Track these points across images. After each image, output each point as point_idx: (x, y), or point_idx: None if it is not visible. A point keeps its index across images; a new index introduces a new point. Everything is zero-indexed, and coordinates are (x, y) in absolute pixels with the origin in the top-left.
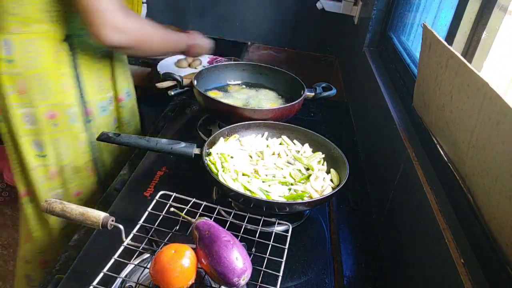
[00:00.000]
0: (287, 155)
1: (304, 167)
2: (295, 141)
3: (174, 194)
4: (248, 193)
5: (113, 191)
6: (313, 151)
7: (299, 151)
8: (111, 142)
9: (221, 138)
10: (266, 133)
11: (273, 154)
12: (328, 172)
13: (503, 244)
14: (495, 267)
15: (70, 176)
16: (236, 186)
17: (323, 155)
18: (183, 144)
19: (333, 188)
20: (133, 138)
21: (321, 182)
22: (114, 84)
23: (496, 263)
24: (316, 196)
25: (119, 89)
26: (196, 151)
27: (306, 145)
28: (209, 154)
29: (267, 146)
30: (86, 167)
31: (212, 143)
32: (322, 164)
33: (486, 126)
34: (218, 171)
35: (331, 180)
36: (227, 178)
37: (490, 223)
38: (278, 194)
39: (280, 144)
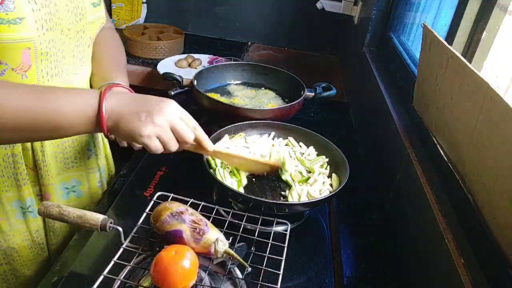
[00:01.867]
0: (290, 156)
1: (306, 170)
2: (301, 143)
3: (172, 195)
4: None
5: (113, 191)
6: (318, 155)
7: (303, 153)
8: (111, 139)
9: (226, 135)
10: (272, 133)
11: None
12: (329, 176)
13: (503, 244)
14: (495, 267)
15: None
16: (232, 182)
17: (327, 159)
18: None
19: (331, 192)
20: None
21: (319, 186)
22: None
23: (496, 263)
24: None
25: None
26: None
27: (311, 148)
28: None
29: (273, 145)
30: None
31: (216, 139)
32: (325, 168)
33: (486, 126)
34: (216, 166)
35: (331, 185)
36: (225, 176)
37: (490, 223)
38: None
39: (286, 145)
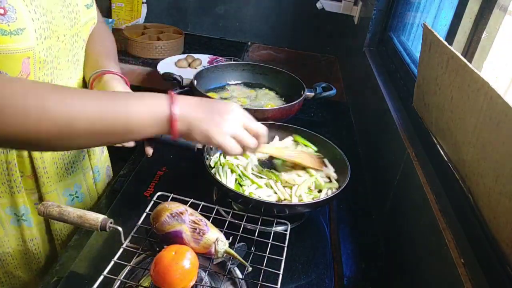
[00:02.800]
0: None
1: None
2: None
3: (172, 195)
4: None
5: (113, 191)
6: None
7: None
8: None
9: (276, 137)
10: (276, 137)
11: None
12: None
13: (503, 244)
14: (495, 267)
15: None
16: (231, 182)
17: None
18: None
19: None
20: None
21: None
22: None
23: (496, 263)
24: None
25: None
26: (199, 145)
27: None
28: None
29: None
30: None
31: None
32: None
33: (486, 126)
34: (215, 167)
35: (328, 177)
36: (224, 176)
37: (490, 223)
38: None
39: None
